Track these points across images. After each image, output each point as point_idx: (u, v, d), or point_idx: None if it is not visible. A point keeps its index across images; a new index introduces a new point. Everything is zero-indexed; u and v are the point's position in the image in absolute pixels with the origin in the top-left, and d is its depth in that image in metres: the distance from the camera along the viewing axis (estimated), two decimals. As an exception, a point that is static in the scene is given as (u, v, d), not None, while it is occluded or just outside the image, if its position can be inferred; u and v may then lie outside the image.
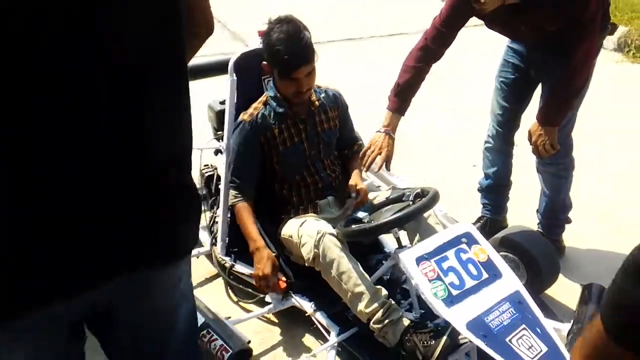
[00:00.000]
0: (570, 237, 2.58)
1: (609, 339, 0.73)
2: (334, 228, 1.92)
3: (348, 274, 1.82)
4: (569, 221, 2.51)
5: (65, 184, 0.86)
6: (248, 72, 2.24)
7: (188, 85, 1.00)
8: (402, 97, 2.17)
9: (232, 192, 2.15)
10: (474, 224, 2.53)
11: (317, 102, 2.15)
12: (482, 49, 4.94)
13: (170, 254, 1.03)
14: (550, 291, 2.28)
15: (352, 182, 2.17)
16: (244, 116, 2.11)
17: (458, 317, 1.58)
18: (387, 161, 2.14)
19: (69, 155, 0.86)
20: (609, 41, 5.44)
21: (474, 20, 2.12)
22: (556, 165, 2.33)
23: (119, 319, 1.05)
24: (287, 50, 1.92)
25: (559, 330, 1.91)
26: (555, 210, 2.46)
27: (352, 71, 4.80)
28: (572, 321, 1.94)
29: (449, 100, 4.27)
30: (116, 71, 0.87)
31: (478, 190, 2.67)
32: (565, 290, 2.29)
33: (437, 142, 3.71)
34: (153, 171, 0.95)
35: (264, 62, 2.04)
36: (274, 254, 2.10)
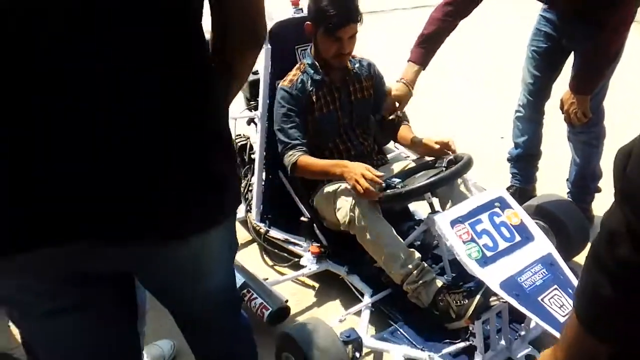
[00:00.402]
0: (600, 206, 2.59)
1: (583, 330, 0.71)
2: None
3: (383, 237, 1.88)
4: (598, 190, 2.53)
5: (66, 184, 0.87)
6: (282, 41, 2.29)
7: None
8: (426, 48, 2.14)
9: (288, 153, 2.08)
10: (506, 188, 2.58)
11: (352, 72, 2.19)
12: (510, 19, 4.90)
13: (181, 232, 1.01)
14: (579, 258, 2.31)
15: (426, 145, 2.11)
16: (284, 82, 2.15)
17: (492, 277, 1.62)
18: (399, 108, 2.15)
19: (69, 155, 0.86)
20: (637, 13, 5.33)
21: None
22: (588, 133, 2.34)
23: (148, 274, 1.10)
24: (334, 8, 1.96)
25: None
26: (586, 179, 2.48)
27: (375, 44, 4.79)
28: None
29: (476, 72, 4.26)
30: (116, 71, 0.86)
31: (508, 160, 2.70)
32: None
33: (465, 115, 3.72)
34: (153, 170, 0.93)
35: (307, 23, 2.07)
36: (307, 220, 2.17)
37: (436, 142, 2.08)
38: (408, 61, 2.18)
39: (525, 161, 2.63)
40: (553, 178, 2.72)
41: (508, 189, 2.67)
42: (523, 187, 2.65)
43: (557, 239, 2.19)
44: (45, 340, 1.05)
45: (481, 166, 2.92)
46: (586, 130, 2.32)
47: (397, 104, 2.14)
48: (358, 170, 1.87)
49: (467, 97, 3.94)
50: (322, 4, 1.98)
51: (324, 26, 2.01)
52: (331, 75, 2.14)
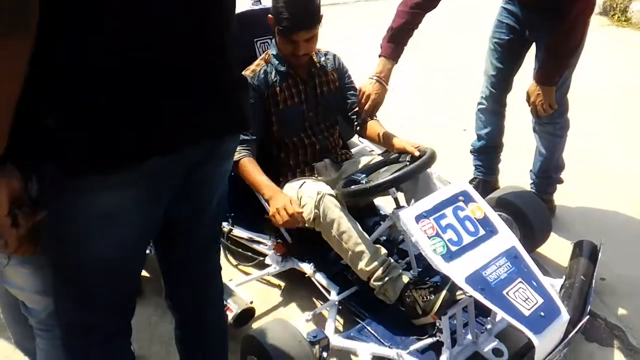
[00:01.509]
0: (562, 197, 2.63)
1: None
2: (332, 189, 1.94)
3: (348, 233, 1.85)
4: (560, 181, 2.57)
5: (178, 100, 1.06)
6: (242, 32, 2.23)
7: None
8: (396, 42, 2.13)
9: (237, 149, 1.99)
10: (469, 181, 2.60)
11: (317, 64, 2.14)
12: (471, 11, 4.94)
13: (243, 125, 1.27)
14: (542, 249, 2.34)
15: (399, 146, 2.05)
16: (246, 72, 2.08)
17: (457, 271, 1.61)
18: (375, 108, 2.12)
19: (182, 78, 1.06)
20: (595, 5, 5.47)
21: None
22: (553, 124, 2.37)
23: (194, 179, 1.22)
24: (289, 12, 1.90)
25: (552, 285, 1.98)
26: (549, 170, 2.51)
27: (339, 36, 4.75)
28: (564, 277, 2.01)
29: (437, 64, 4.28)
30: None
31: (470, 152, 2.71)
32: (557, 248, 2.35)
33: (427, 107, 3.73)
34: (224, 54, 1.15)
35: (270, 15, 2.01)
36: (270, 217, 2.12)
37: (417, 148, 1.98)
38: (380, 56, 2.15)
39: (487, 153, 2.65)
40: (515, 169, 2.75)
41: (471, 181, 2.69)
42: (486, 179, 2.66)
43: (520, 231, 2.21)
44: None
45: (444, 159, 2.91)
46: (552, 121, 2.35)
47: (372, 103, 2.10)
48: (281, 204, 1.85)
49: (429, 90, 3.95)
50: (279, 4, 1.92)
51: (278, 26, 1.96)
52: (296, 67, 2.08)
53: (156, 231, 1.24)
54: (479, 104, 2.58)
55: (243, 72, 2.08)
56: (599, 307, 2.09)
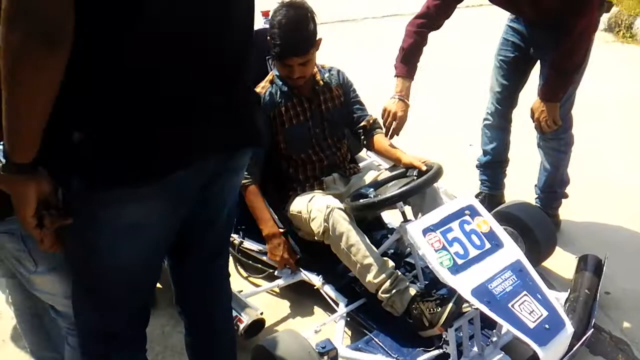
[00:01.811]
0: (567, 211, 2.67)
1: None
2: (341, 203, 1.99)
3: (357, 246, 1.90)
4: (565, 196, 2.60)
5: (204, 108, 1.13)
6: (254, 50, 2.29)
7: None
8: (408, 61, 2.26)
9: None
10: (475, 195, 2.64)
11: (321, 82, 2.20)
12: (476, 29, 5.01)
13: (256, 140, 1.33)
14: (547, 263, 2.37)
15: (407, 161, 2.09)
16: None
17: (463, 284, 1.65)
18: (401, 126, 2.25)
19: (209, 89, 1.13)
20: (600, 22, 5.53)
21: (470, 1, 2.17)
22: (557, 140, 2.42)
23: (208, 192, 1.27)
24: (282, 37, 1.96)
25: (557, 299, 2.01)
26: (554, 185, 2.55)
27: (346, 53, 4.83)
28: (568, 290, 2.04)
29: (444, 81, 4.33)
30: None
31: (476, 167, 2.75)
32: (562, 262, 2.38)
33: (434, 123, 3.78)
34: (245, 72, 1.23)
35: (269, 38, 2.08)
36: (281, 230, 2.17)
37: (424, 163, 2.03)
38: (396, 76, 2.27)
39: (493, 168, 2.69)
40: (521, 184, 2.79)
41: (477, 195, 2.73)
42: (492, 194, 2.70)
43: (525, 245, 2.24)
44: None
45: (451, 173, 2.97)
46: (556, 137, 2.39)
47: (398, 121, 2.22)
48: (284, 254, 2.11)
49: (436, 106, 4.00)
50: (272, 30, 1.98)
51: (273, 51, 2.02)
52: (299, 87, 2.14)
53: (172, 241, 1.29)
54: (485, 119, 2.63)
55: None
56: (603, 321, 2.12)
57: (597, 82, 3.99)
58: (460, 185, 2.82)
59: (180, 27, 1.04)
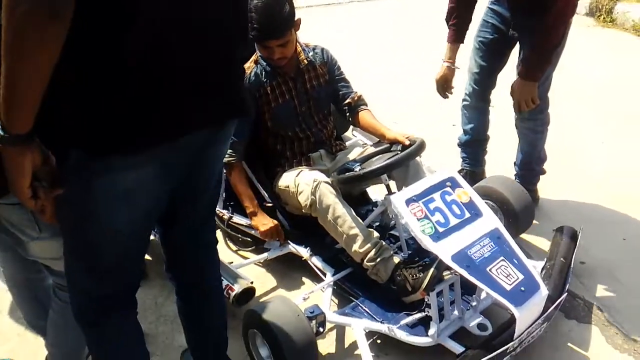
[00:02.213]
0: (546, 188, 2.77)
1: None
2: (327, 178, 2.06)
3: (343, 218, 1.97)
4: (543, 172, 2.70)
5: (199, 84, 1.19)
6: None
7: None
8: (456, 24, 2.46)
9: (231, 150, 2.21)
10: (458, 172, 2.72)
11: (305, 60, 2.25)
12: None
13: (243, 110, 1.36)
14: (526, 235, 2.48)
15: (391, 137, 2.18)
16: None
17: (444, 250, 1.74)
18: (448, 89, 2.56)
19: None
20: (581, 6, 5.64)
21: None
22: (534, 120, 2.50)
23: (197, 161, 1.34)
24: (259, 21, 2.00)
25: (534, 267, 2.10)
26: (531, 163, 2.64)
27: (332, 36, 4.88)
28: (545, 259, 2.14)
29: (428, 65, 4.40)
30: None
31: (458, 145, 2.84)
32: (540, 234, 2.49)
33: (419, 103, 3.86)
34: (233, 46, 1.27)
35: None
36: (269, 205, 2.24)
37: (408, 138, 2.12)
38: (447, 42, 2.53)
39: (473, 146, 2.78)
40: (503, 160, 2.88)
41: (459, 172, 2.82)
42: (472, 170, 2.80)
43: (504, 217, 2.33)
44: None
45: (435, 151, 3.07)
46: (533, 117, 2.48)
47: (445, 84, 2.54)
48: (270, 223, 2.21)
49: (421, 87, 4.08)
50: (251, 13, 2.01)
51: (251, 34, 2.06)
52: (285, 67, 2.19)
53: (162, 208, 1.35)
54: (463, 100, 2.71)
55: None
56: (578, 288, 2.23)
57: (577, 64, 4.12)
58: (444, 162, 2.90)
59: (178, 11, 1.09)
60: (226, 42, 1.24)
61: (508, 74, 2.53)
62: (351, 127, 2.85)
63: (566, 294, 1.94)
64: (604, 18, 5.46)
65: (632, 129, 3.46)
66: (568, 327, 2.06)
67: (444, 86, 2.59)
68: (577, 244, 2.18)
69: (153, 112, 1.12)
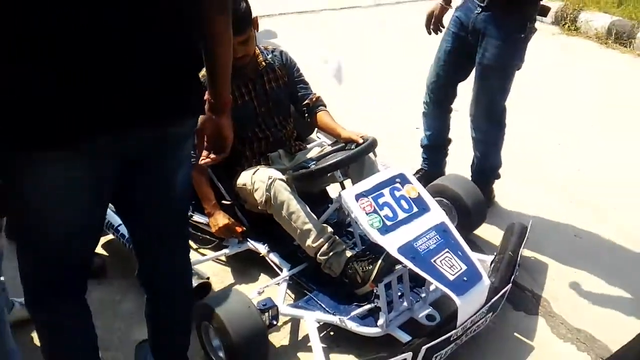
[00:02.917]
0: (501, 187, 2.86)
1: None
2: (283, 175, 2.12)
3: (297, 214, 2.03)
4: (497, 177, 2.78)
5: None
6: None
7: None
8: None
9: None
10: (413, 174, 2.80)
11: (264, 63, 2.32)
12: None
13: (190, 111, 1.35)
14: (480, 232, 2.55)
15: (345, 136, 2.23)
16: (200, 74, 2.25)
17: (391, 243, 1.80)
18: (435, 26, 2.57)
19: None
20: (548, 16, 5.80)
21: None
22: (487, 133, 2.60)
23: (144, 168, 1.35)
24: None
25: (483, 261, 2.19)
26: (485, 171, 2.73)
27: (303, 44, 4.96)
28: (494, 253, 2.22)
29: (396, 73, 4.50)
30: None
31: (420, 146, 2.92)
32: (493, 231, 2.57)
33: (386, 107, 3.94)
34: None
35: None
36: (228, 203, 2.29)
37: (361, 137, 2.18)
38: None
39: (432, 150, 2.86)
40: (464, 162, 2.95)
41: (418, 171, 2.89)
42: (429, 171, 2.87)
43: (457, 215, 2.41)
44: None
45: (399, 152, 3.16)
46: (486, 130, 2.58)
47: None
48: (224, 221, 2.23)
49: (389, 90, 4.17)
50: None
51: None
52: (245, 69, 2.25)
53: (105, 204, 1.38)
54: (423, 107, 2.77)
55: None
56: (528, 281, 2.31)
57: (540, 70, 4.24)
58: (406, 163, 2.98)
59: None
60: (154, 42, 1.20)
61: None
62: (316, 129, 2.91)
63: (511, 284, 2.01)
64: (568, 27, 5.62)
65: (590, 132, 3.58)
66: (516, 319, 2.13)
67: (433, 21, 2.56)
68: (526, 238, 2.26)
69: (72, 104, 1.13)
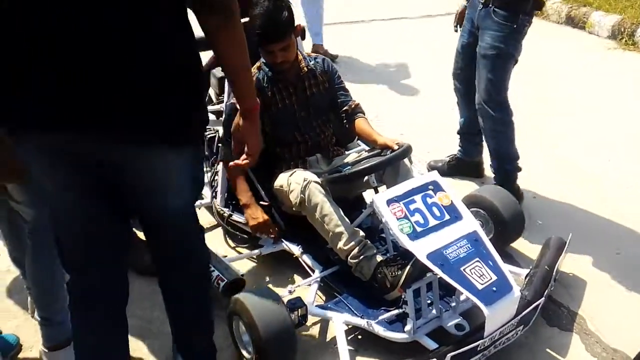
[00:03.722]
0: (540, 198, 2.81)
1: None
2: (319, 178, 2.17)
3: (330, 216, 2.07)
4: (518, 169, 2.82)
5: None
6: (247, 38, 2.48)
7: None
8: None
9: (224, 149, 2.39)
10: (448, 156, 3.04)
11: (306, 68, 2.38)
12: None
13: (170, 138, 1.32)
14: (517, 245, 2.51)
15: (381, 142, 2.26)
16: None
17: (420, 249, 1.81)
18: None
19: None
20: (604, 29, 5.65)
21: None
22: (492, 120, 2.66)
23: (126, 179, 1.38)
24: (262, 26, 2.14)
25: (517, 274, 2.17)
26: (502, 163, 2.78)
27: (354, 52, 5.01)
28: (530, 267, 2.19)
29: (427, 77, 4.49)
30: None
31: (457, 133, 3.06)
32: (529, 245, 2.52)
33: (425, 116, 3.93)
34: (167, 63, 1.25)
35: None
36: (265, 204, 2.35)
37: (397, 144, 2.20)
38: None
39: (466, 138, 3.00)
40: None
41: (450, 158, 3.08)
42: (461, 158, 3.04)
43: (494, 227, 2.38)
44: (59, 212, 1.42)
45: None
46: (491, 116, 2.64)
47: None
48: (260, 217, 2.28)
49: (425, 99, 4.17)
50: (255, 21, 2.15)
51: (257, 39, 2.18)
52: (287, 73, 2.31)
53: (94, 201, 1.41)
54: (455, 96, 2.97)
55: None
56: (564, 297, 2.25)
57: (596, 84, 4.16)
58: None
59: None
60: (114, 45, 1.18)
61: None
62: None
63: (545, 298, 1.98)
64: (625, 41, 5.44)
65: (637, 148, 3.46)
66: (549, 334, 2.09)
67: (458, 19, 2.85)
68: (564, 253, 2.21)
69: (13, 102, 1.20)
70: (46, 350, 1.84)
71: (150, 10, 1.19)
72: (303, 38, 2.29)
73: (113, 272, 1.56)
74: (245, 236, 2.46)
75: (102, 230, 1.46)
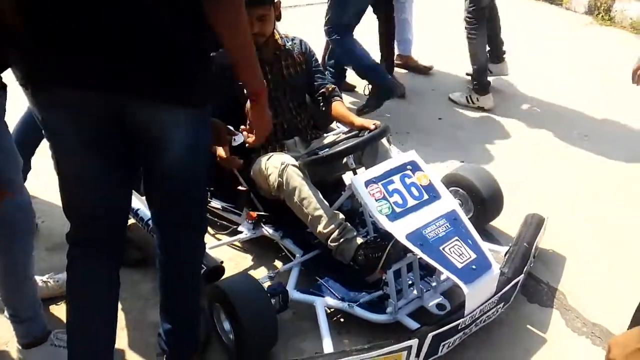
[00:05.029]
0: (520, 177, 2.81)
1: None
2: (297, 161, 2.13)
3: (308, 200, 2.04)
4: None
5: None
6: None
7: None
8: None
9: None
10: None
11: (282, 47, 2.33)
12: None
13: (173, 97, 1.34)
14: (496, 222, 2.52)
15: (358, 124, 2.26)
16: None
17: (399, 229, 1.80)
18: None
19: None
20: (580, 4, 5.66)
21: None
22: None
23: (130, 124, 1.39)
24: None
25: (497, 251, 2.17)
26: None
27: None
28: (509, 244, 2.19)
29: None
30: None
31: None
32: (508, 223, 2.53)
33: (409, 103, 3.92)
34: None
35: None
36: (244, 189, 2.32)
37: (374, 124, 2.20)
38: None
39: None
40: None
41: None
42: None
43: (474, 206, 2.38)
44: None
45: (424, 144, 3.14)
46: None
47: None
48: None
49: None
50: None
51: None
52: (262, 51, 2.26)
53: (100, 160, 1.44)
54: None
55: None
56: (544, 274, 2.27)
57: (576, 60, 4.16)
58: (429, 153, 2.96)
59: None
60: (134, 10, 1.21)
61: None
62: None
63: (524, 275, 1.99)
64: (602, 16, 5.46)
65: (613, 124, 3.49)
66: (529, 311, 2.10)
67: None
68: (543, 230, 2.22)
69: (41, 58, 1.24)
70: (20, 348, 1.81)
71: (150, 9, 1.22)
72: (279, 19, 2.24)
73: (115, 227, 1.60)
74: (224, 222, 2.43)
75: (112, 184, 1.50)
